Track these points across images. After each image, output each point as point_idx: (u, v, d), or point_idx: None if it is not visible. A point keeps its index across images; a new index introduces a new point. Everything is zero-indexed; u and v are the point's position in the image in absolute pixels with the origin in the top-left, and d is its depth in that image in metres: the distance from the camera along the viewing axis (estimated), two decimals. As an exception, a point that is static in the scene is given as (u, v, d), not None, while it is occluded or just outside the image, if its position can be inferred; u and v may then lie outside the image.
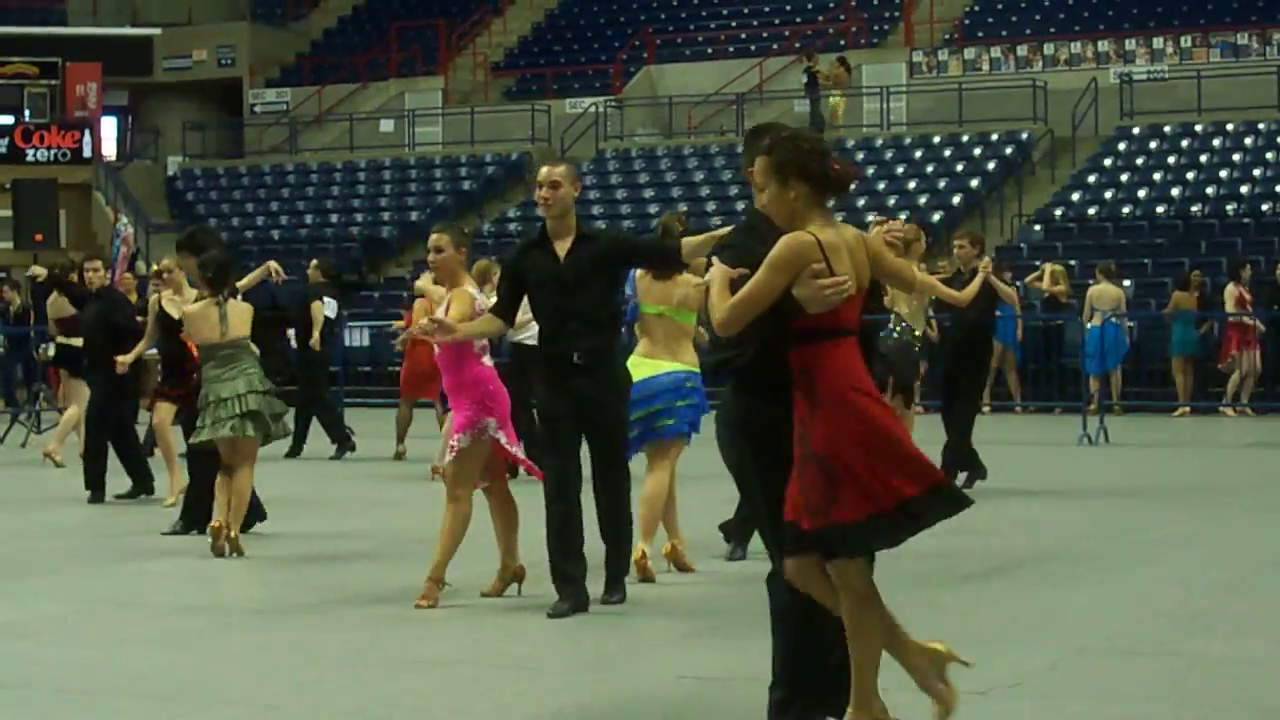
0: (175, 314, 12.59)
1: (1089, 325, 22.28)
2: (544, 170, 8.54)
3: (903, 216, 30.50)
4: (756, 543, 9.98)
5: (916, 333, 13.43)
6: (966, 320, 13.98)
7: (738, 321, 5.52)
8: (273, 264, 12.51)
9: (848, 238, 5.60)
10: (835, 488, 5.45)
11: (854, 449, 5.45)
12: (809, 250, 5.46)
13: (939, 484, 5.59)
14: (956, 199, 30.89)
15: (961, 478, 13.69)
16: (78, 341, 15.65)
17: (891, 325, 13.40)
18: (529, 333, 15.14)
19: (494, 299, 8.69)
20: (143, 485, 14.03)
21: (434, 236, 8.86)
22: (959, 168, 32.14)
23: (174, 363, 13.08)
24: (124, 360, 13.51)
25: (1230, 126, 31.17)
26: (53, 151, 35.40)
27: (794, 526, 5.56)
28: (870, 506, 5.45)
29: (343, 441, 18.00)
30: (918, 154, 32.93)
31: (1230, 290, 23.23)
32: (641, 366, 9.45)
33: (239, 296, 11.16)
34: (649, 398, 9.40)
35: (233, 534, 10.52)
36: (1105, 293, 23.09)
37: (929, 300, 13.66)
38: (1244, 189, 29.30)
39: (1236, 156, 30.41)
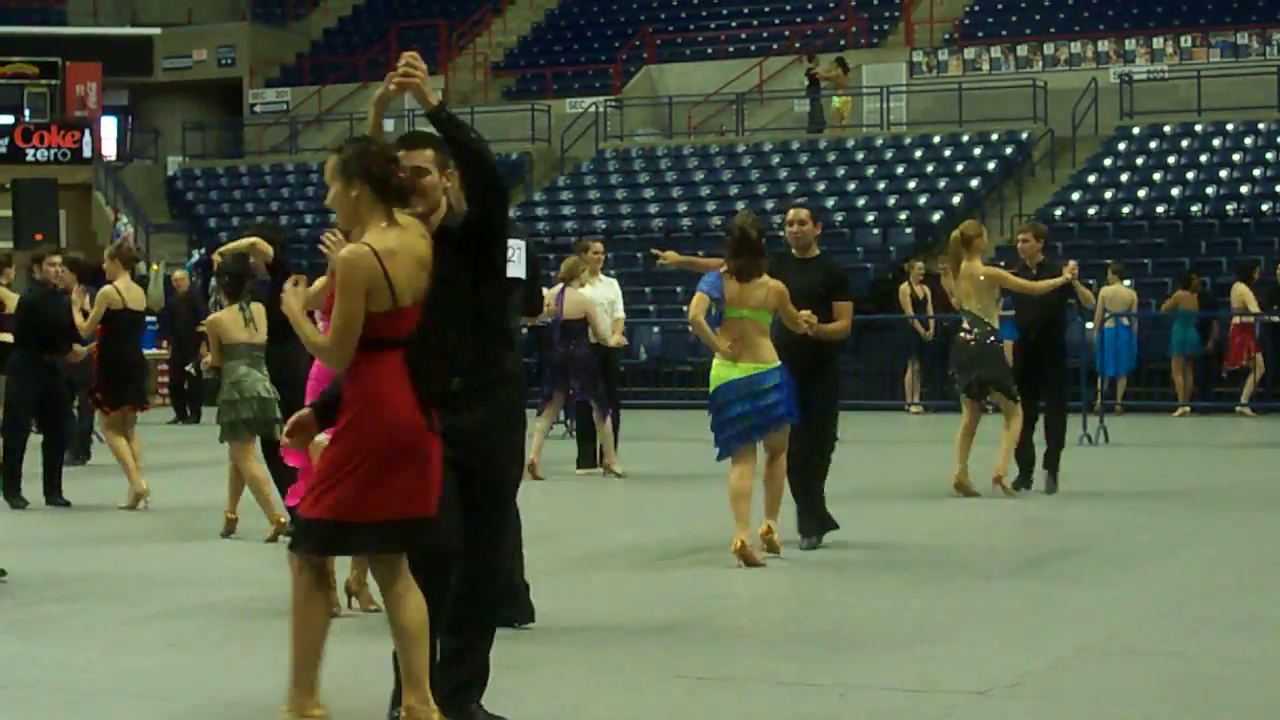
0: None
1: (1106, 326, 22.25)
2: None
3: (903, 216, 30.58)
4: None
5: (993, 326, 13.19)
6: (1039, 321, 13.68)
7: (343, 356, 5.62)
8: (259, 242, 11.33)
9: (410, 239, 5.65)
10: (333, 484, 5.59)
11: (365, 457, 5.55)
12: (366, 263, 5.53)
13: (428, 516, 5.66)
14: (956, 199, 30.88)
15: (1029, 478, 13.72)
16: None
17: (966, 325, 13.31)
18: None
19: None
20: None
21: None
22: (959, 168, 32.14)
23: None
24: (79, 351, 13.73)
25: (1230, 126, 31.17)
26: (53, 151, 35.40)
27: (296, 514, 5.80)
28: (354, 511, 5.57)
29: None
30: (918, 154, 32.92)
31: (1241, 290, 23.16)
32: (724, 368, 9.98)
33: (217, 261, 11.69)
34: (735, 400, 9.92)
35: (234, 515, 11.38)
36: (1119, 294, 23.12)
37: (998, 296, 13.43)
38: (1244, 189, 29.29)
39: (1236, 156, 30.41)
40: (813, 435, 10.51)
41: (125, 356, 13.61)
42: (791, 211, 10.88)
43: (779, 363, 9.97)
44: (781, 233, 11.24)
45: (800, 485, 10.58)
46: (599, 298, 15.80)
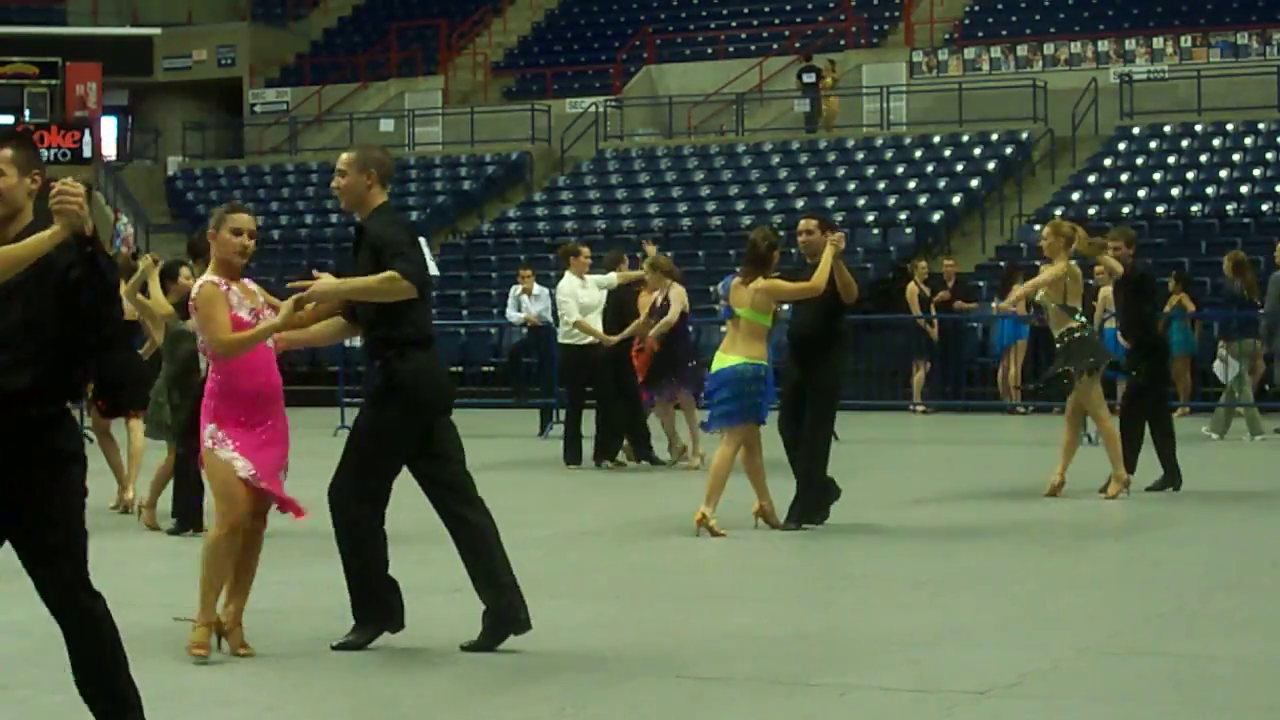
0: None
1: (1107, 326, 22.22)
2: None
3: (903, 216, 30.57)
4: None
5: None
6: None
7: None
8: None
9: None
10: None
11: None
12: None
13: None
14: (956, 199, 30.90)
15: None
16: None
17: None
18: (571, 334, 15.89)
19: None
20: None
21: (249, 218, 7.90)
22: (959, 168, 32.14)
23: None
24: None
25: (1230, 126, 31.18)
26: (53, 151, 35.39)
27: None
28: None
29: None
30: (918, 154, 32.93)
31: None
32: (719, 359, 11.12)
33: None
34: (723, 385, 10.98)
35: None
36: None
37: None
38: (1244, 189, 29.30)
39: (1236, 156, 30.42)
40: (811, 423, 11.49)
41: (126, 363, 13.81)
42: (801, 221, 11.78)
43: (766, 362, 11.02)
44: (793, 245, 11.76)
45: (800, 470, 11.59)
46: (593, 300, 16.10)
